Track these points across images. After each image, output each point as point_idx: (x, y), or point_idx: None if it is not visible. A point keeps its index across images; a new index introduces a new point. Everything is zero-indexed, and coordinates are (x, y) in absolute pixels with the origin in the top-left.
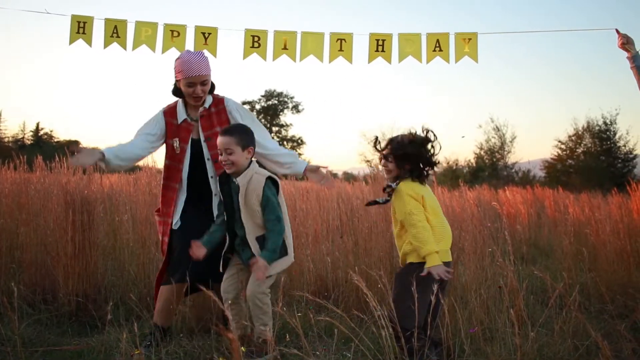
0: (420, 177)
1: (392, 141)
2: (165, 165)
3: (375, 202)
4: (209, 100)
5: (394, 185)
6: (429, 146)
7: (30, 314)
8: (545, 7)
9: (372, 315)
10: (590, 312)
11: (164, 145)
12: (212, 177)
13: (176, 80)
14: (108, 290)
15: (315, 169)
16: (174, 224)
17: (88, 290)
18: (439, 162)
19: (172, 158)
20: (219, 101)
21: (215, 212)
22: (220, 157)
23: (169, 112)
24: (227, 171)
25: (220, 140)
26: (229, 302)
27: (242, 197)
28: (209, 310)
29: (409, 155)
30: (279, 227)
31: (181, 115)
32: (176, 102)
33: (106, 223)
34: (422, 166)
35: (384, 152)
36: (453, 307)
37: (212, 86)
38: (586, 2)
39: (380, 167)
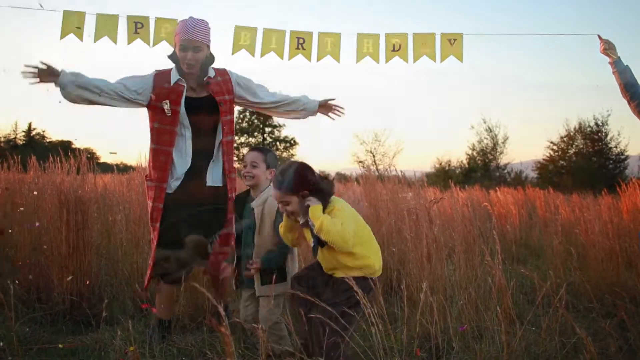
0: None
1: (281, 184)
2: (155, 129)
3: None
4: (211, 71)
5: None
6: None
7: (25, 313)
8: (541, 8)
9: (362, 313)
10: (579, 310)
11: (145, 109)
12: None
13: (174, 44)
14: (102, 289)
15: (325, 104)
16: (169, 187)
17: (82, 289)
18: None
19: (163, 121)
20: (223, 72)
21: (210, 180)
22: (243, 170)
23: (161, 74)
24: (246, 183)
25: (250, 154)
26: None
27: (258, 219)
28: (202, 306)
29: (306, 182)
30: (285, 250)
31: (174, 77)
32: (171, 68)
33: (100, 223)
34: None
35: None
36: (442, 305)
37: (212, 58)
38: (583, 2)
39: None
